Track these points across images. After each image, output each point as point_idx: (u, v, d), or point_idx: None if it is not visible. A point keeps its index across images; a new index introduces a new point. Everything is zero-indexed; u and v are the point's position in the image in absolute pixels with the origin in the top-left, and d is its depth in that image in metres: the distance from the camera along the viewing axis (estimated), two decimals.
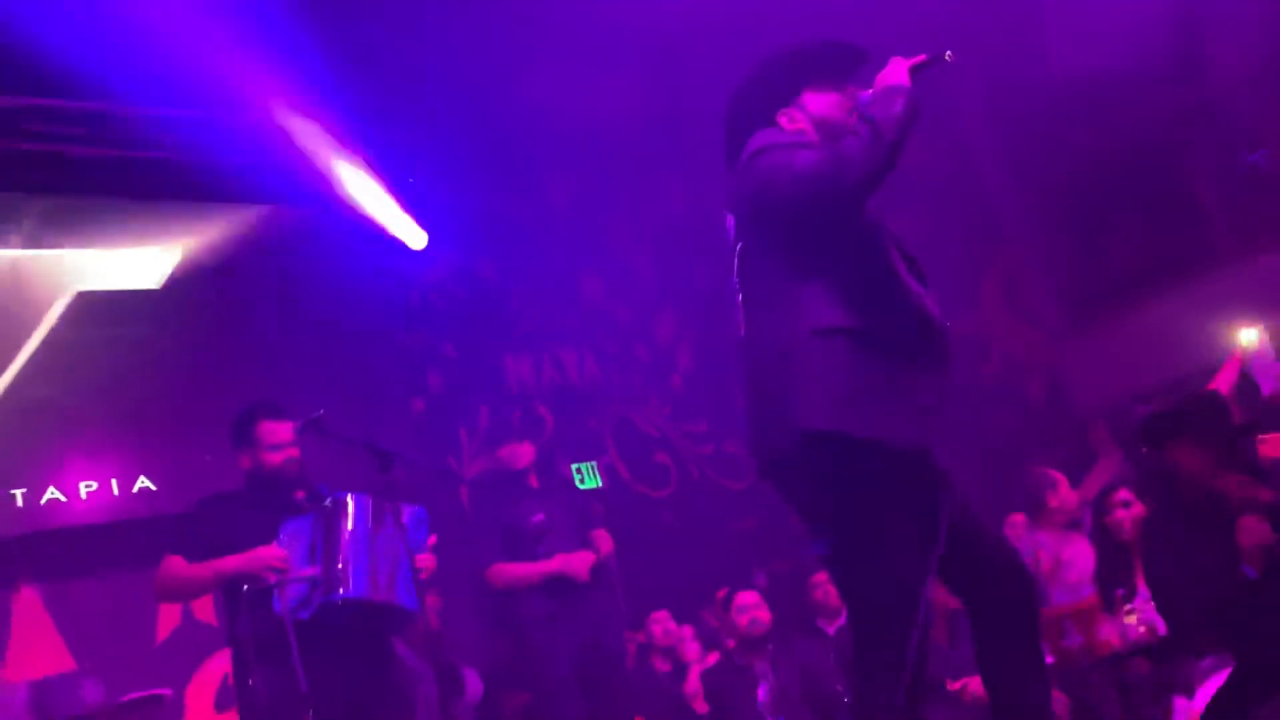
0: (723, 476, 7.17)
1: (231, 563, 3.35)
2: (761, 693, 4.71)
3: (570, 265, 7.21)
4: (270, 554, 3.32)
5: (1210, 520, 3.40)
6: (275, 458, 3.57)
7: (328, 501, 3.41)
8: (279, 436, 3.59)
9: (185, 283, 5.80)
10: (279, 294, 5.98)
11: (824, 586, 5.35)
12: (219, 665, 5.40)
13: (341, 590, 3.28)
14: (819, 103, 2.44)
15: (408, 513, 3.55)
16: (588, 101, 6.16)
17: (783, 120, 2.44)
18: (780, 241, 2.32)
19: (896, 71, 2.32)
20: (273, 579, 3.27)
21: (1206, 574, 3.42)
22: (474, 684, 5.11)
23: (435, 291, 6.93)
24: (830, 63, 2.49)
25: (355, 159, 6.21)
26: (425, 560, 3.55)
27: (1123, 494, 4.19)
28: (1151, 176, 7.53)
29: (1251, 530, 3.28)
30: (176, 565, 3.47)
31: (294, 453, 3.59)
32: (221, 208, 5.99)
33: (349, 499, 3.40)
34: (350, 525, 3.36)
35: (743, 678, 4.78)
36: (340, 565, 3.30)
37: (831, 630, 5.32)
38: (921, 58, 2.35)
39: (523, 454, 4.77)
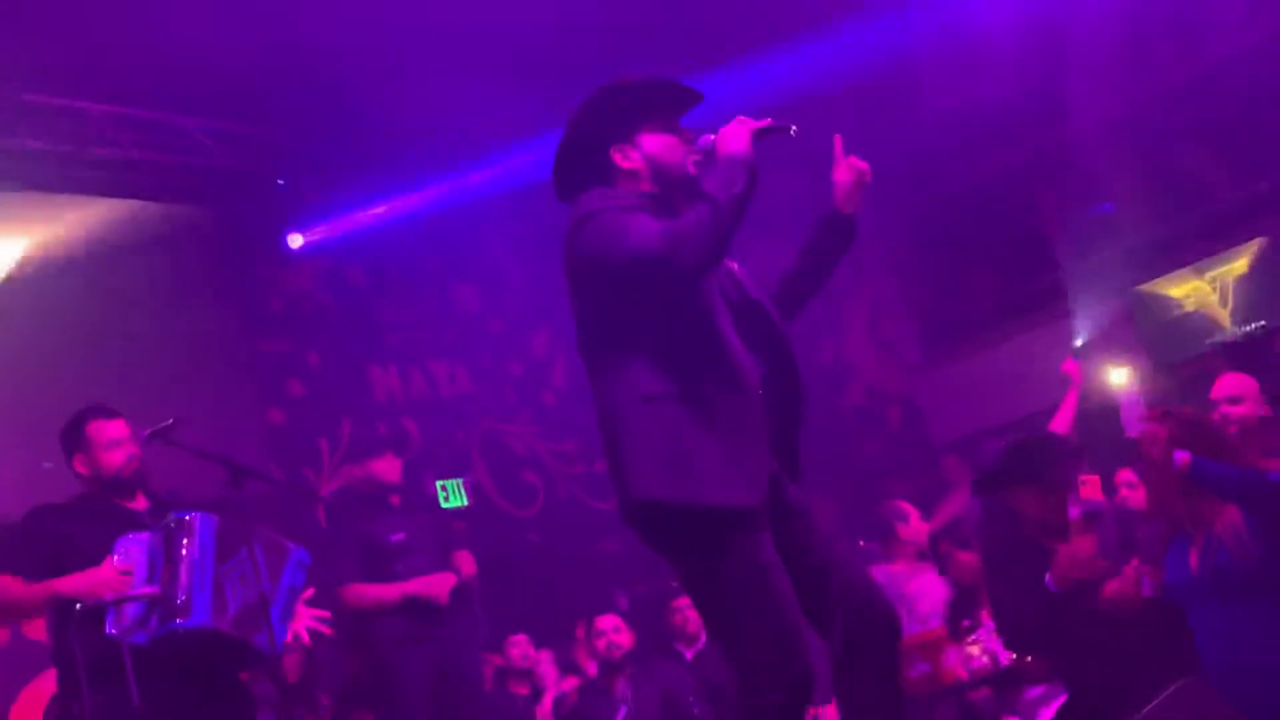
0: (591, 497, 7.15)
1: (67, 584, 3.11)
2: (620, 716, 4.70)
3: (443, 274, 7.10)
4: (108, 574, 3.10)
5: (1046, 556, 3.57)
6: (114, 456, 3.33)
7: (171, 520, 3.18)
8: (112, 433, 3.37)
9: (30, 278, 5.49)
10: (131, 294, 5.71)
11: (683, 611, 5.37)
12: (47, 685, 5.08)
13: (180, 619, 3.05)
14: (654, 142, 2.42)
15: (293, 553, 3.35)
16: (462, 104, 6.09)
17: (616, 156, 2.42)
18: (609, 307, 2.34)
19: (739, 136, 2.30)
20: (109, 598, 3.06)
21: (1042, 605, 3.58)
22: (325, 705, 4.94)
23: (301, 297, 6.72)
24: (668, 102, 2.47)
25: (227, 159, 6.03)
26: (299, 618, 3.37)
27: (962, 532, 4.34)
28: (1008, 216, 7.89)
29: (1065, 552, 3.48)
30: (7, 584, 3.20)
31: (133, 449, 3.37)
32: (73, 200, 5.70)
33: (194, 518, 3.16)
34: (194, 548, 3.11)
35: (602, 701, 4.76)
36: (182, 591, 3.07)
37: (690, 655, 5.34)
38: (767, 122, 2.33)
39: (389, 468, 4.65)
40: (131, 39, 4.91)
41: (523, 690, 5.29)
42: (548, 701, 5.05)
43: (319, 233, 6.64)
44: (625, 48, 5.19)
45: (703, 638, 5.40)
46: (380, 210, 6.59)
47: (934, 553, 4.77)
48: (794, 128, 2.35)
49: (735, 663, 2.27)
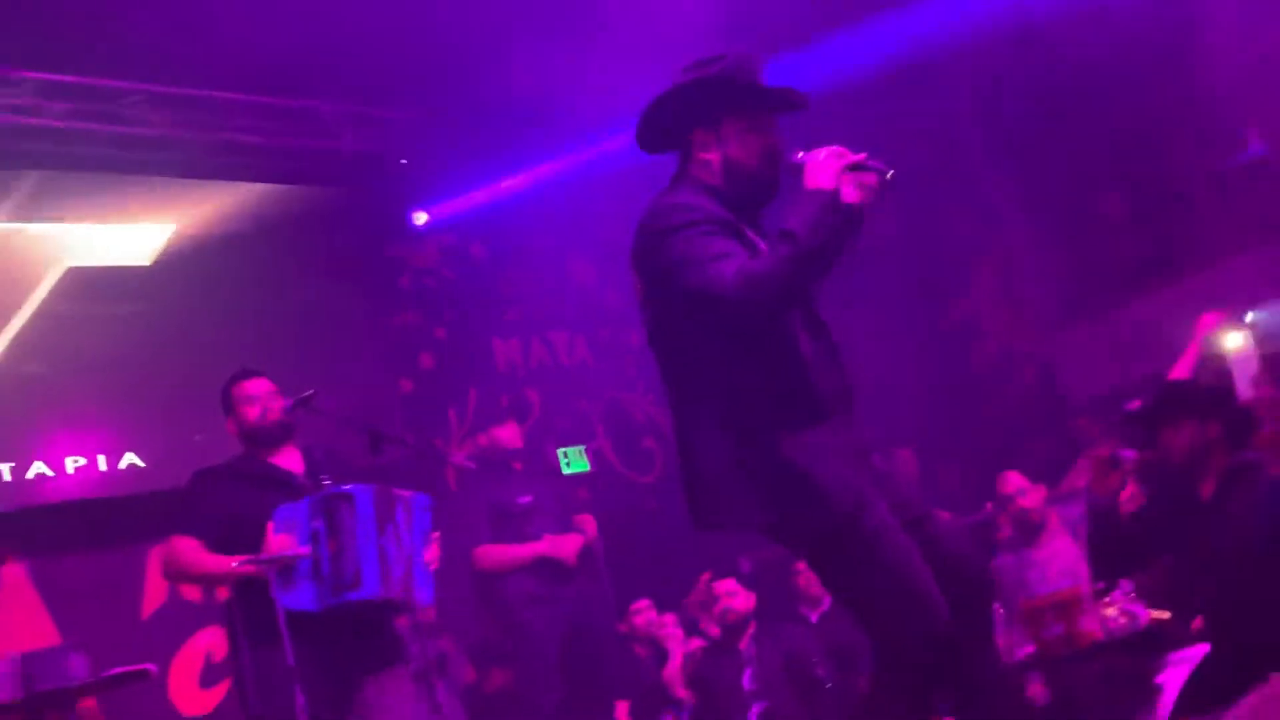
0: None
1: (250, 569, 3.25)
2: (746, 678, 4.75)
3: (561, 249, 7.21)
4: (281, 547, 3.25)
5: (1202, 504, 3.45)
6: (253, 410, 3.53)
7: (331, 492, 3.31)
8: (252, 390, 3.56)
9: (176, 260, 5.79)
10: (270, 273, 5.98)
11: (806, 574, 5.39)
12: (203, 642, 5.42)
13: (352, 592, 3.21)
14: (736, 140, 2.33)
15: (417, 501, 3.51)
16: (579, 81, 6.15)
17: (697, 140, 2.35)
18: (686, 321, 2.28)
19: (828, 170, 2.17)
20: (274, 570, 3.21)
21: (1198, 560, 3.47)
22: (463, 666, 5.14)
23: (427, 274, 6.93)
24: (762, 99, 2.36)
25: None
26: (432, 553, 3.53)
27: (1124, 490, 4.23)
28: (1149, 165, 7.55)
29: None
30: (187, 551, 3.39)
31: (271, 403, 3.54)
32: (215, 185, 5.99)
33: (354, 491, 3.29)
34: (357, 520, 3.24)
35: (728, 662, 4.82)
36: (350, 563, 3.21)
37: (814, 617, 5.36)
38: (861, 157, 2.18)
39: (511, 435, 4.79)
40: (264, 30, 5.11)
41: (647, 654, 5.39)
42: (676, 662, 5.13)
43: (442, 210, 6.83)
44: (747, 22, 5.18)
45: (826, 600, 5.41)
46: (500, 187, 6.74)
47: (1090, 513, 4.65)
48: (891, 171, 2.19)
49: (876, 632, 2.28)
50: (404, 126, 6.49)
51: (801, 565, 5.32)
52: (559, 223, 6.98)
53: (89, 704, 4.95)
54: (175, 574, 3.56)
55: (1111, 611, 3.95)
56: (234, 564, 3.25)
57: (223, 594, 5.28)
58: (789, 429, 2.24)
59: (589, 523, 4.69)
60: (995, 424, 7.60)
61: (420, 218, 6.72)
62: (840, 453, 2.26)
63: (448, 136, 6.57)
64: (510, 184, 6.75)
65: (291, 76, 5.83)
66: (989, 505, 5.58)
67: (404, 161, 6.63)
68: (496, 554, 4.54)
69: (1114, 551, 3.81)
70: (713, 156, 2.35)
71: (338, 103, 6.21)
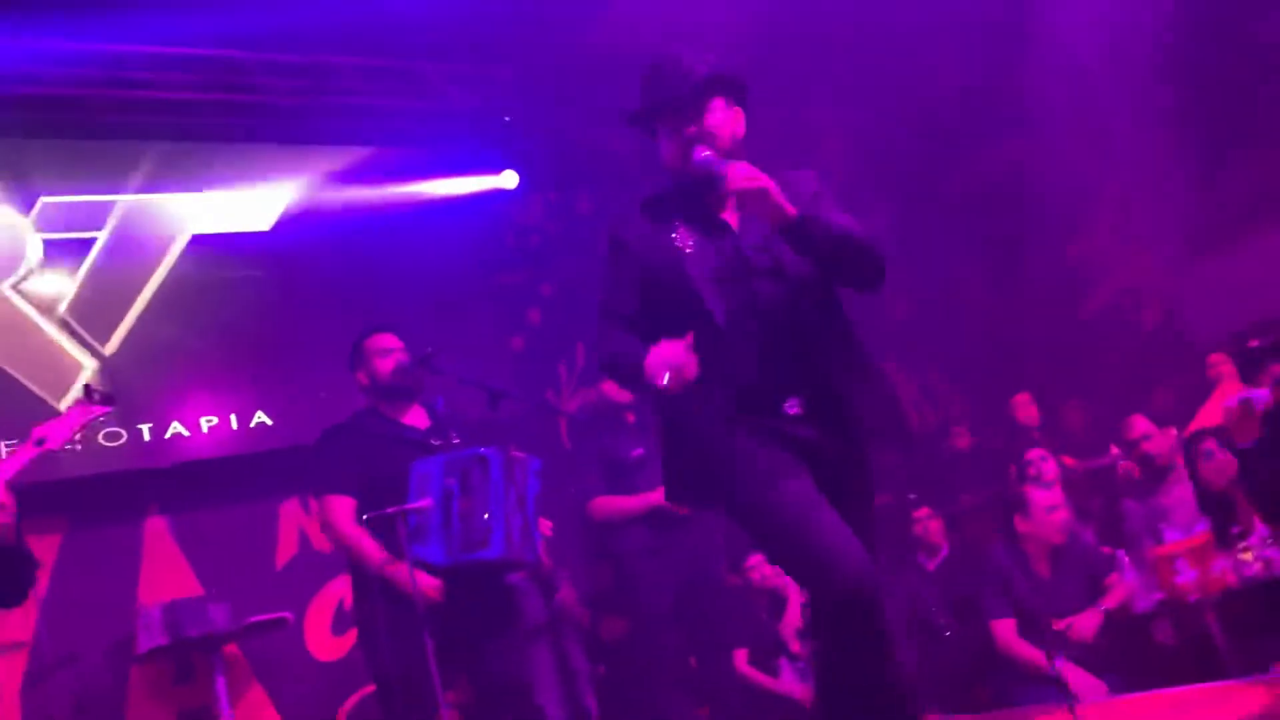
0: None
1: (393, 575, 3.39)
2: None
3: None
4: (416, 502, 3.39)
5: None
6: (386, 363, 3.66)
7: (467, 453, 3.44)
8: (384, 343, 3.70)
9: (293, 224, 5.96)
10: (383, 235, 6.11)
11: (924, 522, 5.33)
12: (335, 590, 5.65)
13: (481, 552, 3.35)
14: (664, 145, 2.58)
15: (531, 464, 3.59)
16: (681, 29, 6.07)
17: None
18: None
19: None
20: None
21: None
22: (580, 617, 5.24)
23: (533, 230, 6.99)
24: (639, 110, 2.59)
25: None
26: (546, 525, 3.63)
27: (1207, 444, 4.09)
28: (1271, 100, 7.13)
29: None
30: (345, 515, 3.53)
31: (403, 357, 3.67)
32: (326, 150, 6.13)
33: (489, 454, 3.41)
34: (490, 484, 3.38)
35: None
36: (480, 526, 3.35)
37: (932, 566, 5.31)
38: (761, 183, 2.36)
39: (619, 389, 4.82)
40: None
41: (764, 603, 5.40)
42: (793, 612, 5.14)
43: (544, 167, 6.85)
44: None
45: (945, 549, 5.35)
46: (601, 139, 6.72)
47: (1187, 457, 4.49)
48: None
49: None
50: (506, 84, 6.52)
51: (920, 513, 5.26)
52: (662, 174, 6.94)
53: (232, 649, 5.23)
54: (334, 537, 3.69)
55: (1247, 556, 3.81)
56: (381, 561, 3.39)
57: (321, 535, 5.51)
58: (681, 412, 2.42)
59: None
60: (1119, 366, 7.35)
61: (511, 179, 6.71)
62: (718, 432, 2.37)
63: (549, 92, 6.58)
64: (611, 136, 6.73)
65: (395, 37, 5.91)
66: (1114, 449, 5.43)
67: (507, 120, 6.67)
68: (610, 505, 4.60)
69: (1255, 494, 3.67)
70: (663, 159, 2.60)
71: (441, 63, 6.27)
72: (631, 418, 4.80)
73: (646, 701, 4.50)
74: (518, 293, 6.85)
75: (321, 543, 5.62)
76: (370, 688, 5.42)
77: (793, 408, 2.41)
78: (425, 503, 3.36)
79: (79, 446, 2.97)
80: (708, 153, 2.41)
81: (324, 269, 5.93)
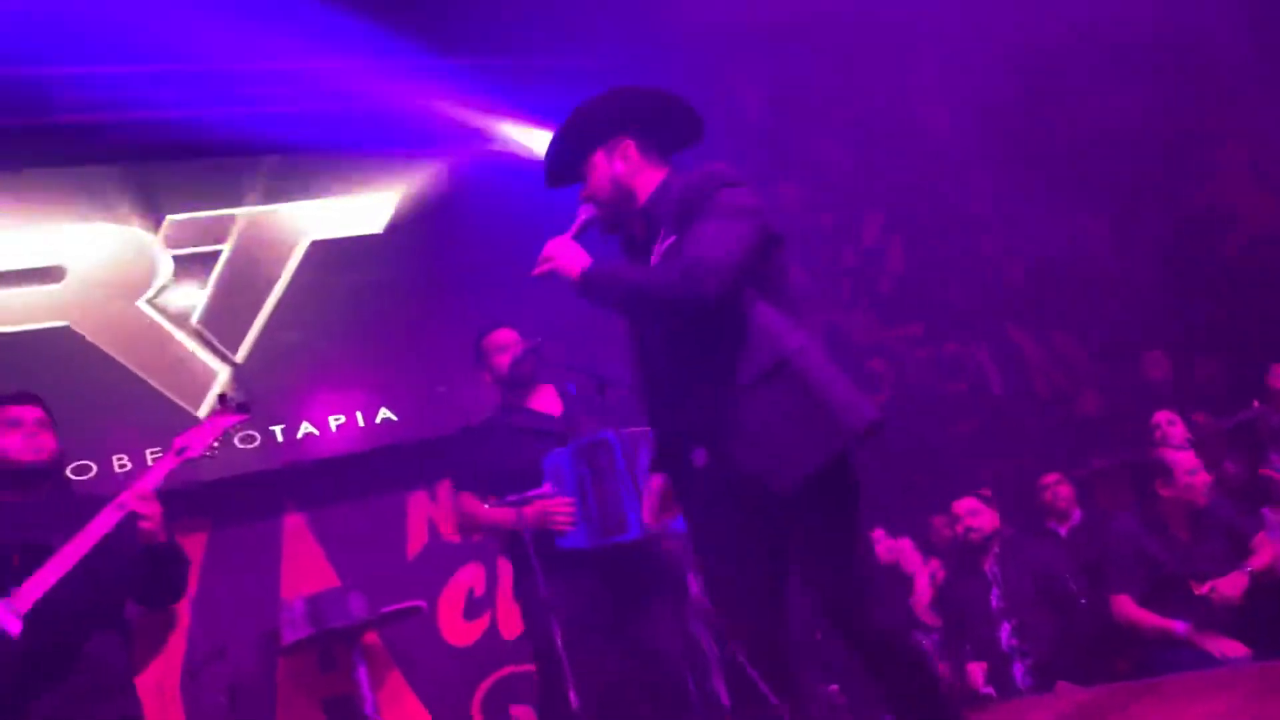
0: (941, 380, 6.98)
1: (526, 516, 3.52)
2: (994, 597, 4.63)
3: (768, 169, 7.10)
4: (557, 507, 3.51)
5: None
6: (503, 359, 3.76)
7: (590, 440, 3.52)
8: (500, 340, 3.80)
9: (405, 225, 6.12)
10: (492, 230, 6.21)
11: (1053, 488, 5.18)
12: (465, 579, 5.81)
13: (619, 534, 3.44)
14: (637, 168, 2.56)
15: (644, 435, 3.63)
16: None
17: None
18: None
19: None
20: (557, 528, 3.49)
21: None
22: (695, 587, 5.26)
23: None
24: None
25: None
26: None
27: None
28: None
29: None
30: (469, 503, 3.71)
31: (518, 350, 3.75)
32: (431, 153, 6.27)
33: (610, 437, 3.49)
34: (616, 465, 3.46)
35: (973, 583, 4.71)
36: (616, 511, 3.44)
37: (1064, 531, 5.15)
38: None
39: None
40: None
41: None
42: (921, 586, 5.06)
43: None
44: None
45: (1076, 514, 5.19)
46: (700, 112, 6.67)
47: None
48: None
49: None
50: (600, 77, 6.52)
51: (1049, 479, 5.12)
52: (759, 149, 6.87)
53: (371, 638, 5.43)
54: (467, 527, 3.84)
55: None
56: (515, 513, 3.50)
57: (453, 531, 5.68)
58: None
59: None
60: (1255, 314, 6.97)
61: None
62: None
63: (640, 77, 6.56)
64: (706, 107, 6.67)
65: (495, 34, 5.98)
66: (1256, 403, 5.17)
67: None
68: None
69: None
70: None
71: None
72: None
73: None
74: None
75: (450, 533, 5.79)
76: (506, 670, 5.60)
77: (699, 458, 2.34)
78: (546, 489, 3.47)
79: (218, 452, 3.07)
80: (583, 217, 2.55)
81: (437, 265, 6.07)
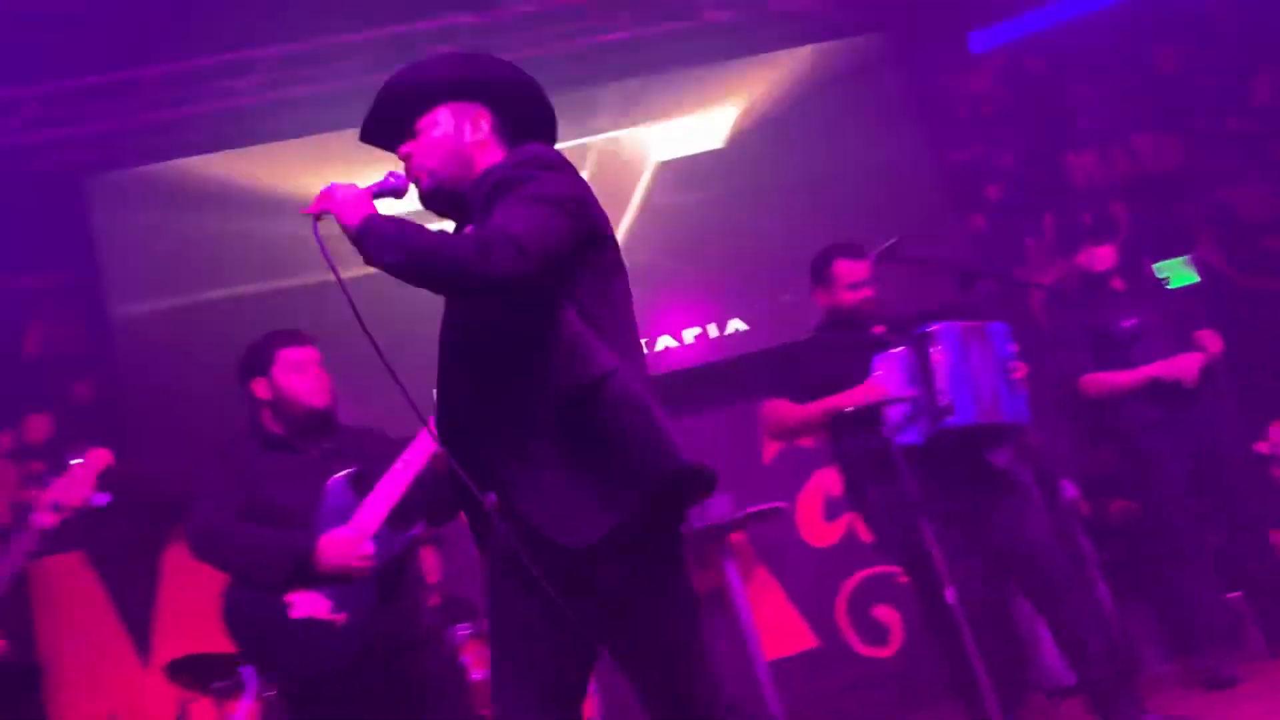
0: None
1: (840, 400, 3.55)
2: None
3: (1135, 36, 6.43)
4: (872, 389, 3.50)
5: None
6: (852, 296, 3.71)
7: (916, 334, 3.47)
8: (856, 275, 3.73)
9: (745, 137, 6.17)
10: (827, 132, 6.14)
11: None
12: (820, 482, 5.91)
13: (949, 419, 3.38)
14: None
15: (992, 329, 3.54)
16: None
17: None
18: None
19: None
20: (877, 400, 3.46)
21: None
22: (1070, 491, 5.03)
23: (984, 100, 6.63)
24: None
25: None
26: (1019, 367, 3.54)
27: None
28: None
29: None
30: (784, 409, 3.74)
31: (869, 292, 3.71)
32: (767, 58, 6.27)
33: (937, 329, 3.44)
34: (943, 354, 3.42)
35: None
36: (943, 395, 3.39)
37: None
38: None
39: (1101, 257, 4.47)
40: None
41: None
42: None
43: (992, 31, 6.45)
44: None
45: None
46: None
47: None
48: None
49: None
50: None
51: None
52: (1130, 11, 6.22)
53: (738, 537, 5.68)
54: (778, 432, 3.89)
55: None
56: (831, 404, 3.52)
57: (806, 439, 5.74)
58: None
59: (1211, 337, 4.25)
60: None
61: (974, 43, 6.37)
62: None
63: None
64: None
65: None
66: None
67: None
68: (1104, 381, 4.30)
69: None
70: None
71: None
72: (1119, 284, 4.44)
73: (1166, 587, 4.23)
74: (974, 168, 6.56)
75: (805, 439, 5.88)
76: (868, 571, 5.68)
77: (488, 500, 1.89)
78: (909, 392, 3.43)
79: None
80: (390, 182, 2.10)
81: (776, 175, 6.10)
